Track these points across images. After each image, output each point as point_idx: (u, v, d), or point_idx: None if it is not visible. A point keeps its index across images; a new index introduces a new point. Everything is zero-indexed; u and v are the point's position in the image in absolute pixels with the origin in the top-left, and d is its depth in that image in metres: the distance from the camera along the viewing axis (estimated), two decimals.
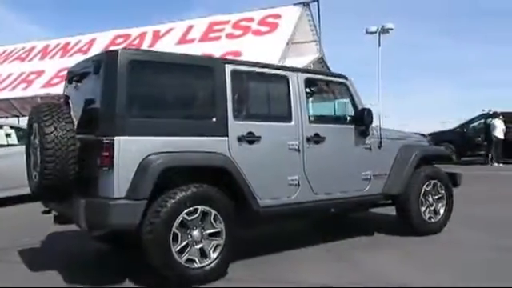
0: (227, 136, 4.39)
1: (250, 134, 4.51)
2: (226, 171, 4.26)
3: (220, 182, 4.28)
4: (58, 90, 13.87)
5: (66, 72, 14.32)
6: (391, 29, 30.73)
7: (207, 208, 4.13)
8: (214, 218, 4.17)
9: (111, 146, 3.82)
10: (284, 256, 5.01)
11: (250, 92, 4.64)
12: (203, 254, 4.13)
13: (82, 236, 5.55)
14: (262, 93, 4.88)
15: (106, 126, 3.91)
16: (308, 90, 5.06)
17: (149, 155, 3.95)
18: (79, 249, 5.56)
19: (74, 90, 4.72)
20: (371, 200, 5.59)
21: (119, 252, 5.36)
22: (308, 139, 4.91)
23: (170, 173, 3.96)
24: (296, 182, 4.82)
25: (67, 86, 4.99)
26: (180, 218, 3.99)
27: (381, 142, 5.57)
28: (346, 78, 5.45)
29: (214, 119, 4.34)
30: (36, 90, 14.73)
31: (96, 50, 15.07)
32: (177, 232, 3.98)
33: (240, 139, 4.45)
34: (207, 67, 4.39)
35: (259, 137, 4.55)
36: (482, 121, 16.76)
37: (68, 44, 16.93)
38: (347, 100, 5.49)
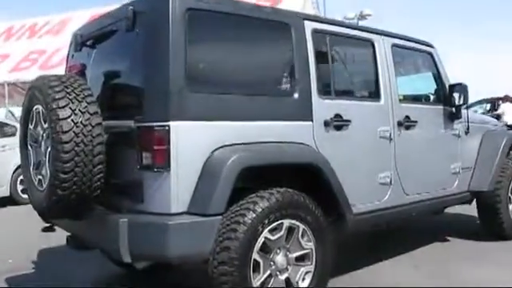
0: (311, 120, 3.17)
1: (338, 116, 3.31)
2: (315, 169, 3.04)
3: (304, 183, 3.06)
4: (28, 75, 12.21)
5: (36, 55, 12.74)
6: (369, 15, 30.13)
7: (294, 222, 2.91)
8: (301, 235, 2.95)
9: (166, 135, 2.54)
10: (368, 273, 3.87)
11: (334, 60, 3.41)
12: (289, 286, 2.91)
13: (85, 256, 4.24)
14: (347, 61, 3.66)
15: (155, 107, 2.61)
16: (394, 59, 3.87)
17: (218, 149, 2.70)
18: (85, 275, 4.21)
19: (87, 60, 3.36)
20: (458, 199, 4.48)
21: (142, 279, 4.07)
22: (399, 123, 3.75)
23: (246, 174, 2.71)
24: (388, 181, 3.66)
25: (73, 56, 3.62)
26: (262, 239, 2.76)
27: (468, 127, 4.47)
28: (431, 45, 4.30)
29: (296, 96, 3.11)
30: (2, 75, 12.94)
31: (72, 30, 13.45)
32: (258, 259, 2.75)
33: (327, 124, 3.24)
34: (283, 24, 3.13)
35: (348, 121, 3.35)
36: (485, 106, 15.96)
37: (35, 25, 15.04)
38: (430, 73, 4.35)
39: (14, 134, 8.76)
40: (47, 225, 3.52)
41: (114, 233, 2.55)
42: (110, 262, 4.00)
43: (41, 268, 4.44)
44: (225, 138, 2.73)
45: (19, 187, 8.34)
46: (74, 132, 2.63)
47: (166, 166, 2.53)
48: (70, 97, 2.69)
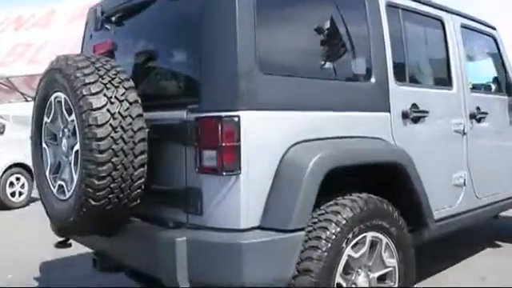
0: (389, 110, 2.64)
1: (415, 106, 2.79)
2: (399, 169, 2.51)
3: (380, 187, 2.53)
4: (13, 70, 11.45)
5: (21, 48, 11.94)
6: None
7: (377, 235, 2.37)
8: (384, 250, 2.43)
9: (236, 128, 1.97)
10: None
11: (407, 39, 2.87)
12: None
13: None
14: (418, 42, 3.13)
15: (218, 93, 2.05)
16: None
17: (294, 145, 2.15)
18: None
19: (113, 39, 2.75)
20: None
21: None
22: (472, 116, 3.25)
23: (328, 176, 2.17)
24: (462, 182, 3.16)
25: (91, 37, 3.01)
26: (345, 258, 2.22)
27: None
28: (494, 27, 3.81)
29: (373, 81, 2.57)
30: None
31: (59, 23, 12.65)
32: (341, 282, 2.22)
33: (405, 116, 2.72)
34: None
35: (426, 112, 2.83)
36: None
37: (20, 17, 14.22)
38: (492, 58, 3.87)
39: (1, 133, 8.10)
40: (61, 239, 2.94)
41: (168, 255, 1.97)
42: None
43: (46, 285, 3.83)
44: (300, 131, 2.18)
45: (8, 190, 7.66)
46: (111, 126, 2.06)
47: (236, 167, 1.97)
48: (104, 81, 2.12)
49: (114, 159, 2.06)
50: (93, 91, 2.07)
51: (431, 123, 2.87)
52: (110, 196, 2.09)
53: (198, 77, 2.11)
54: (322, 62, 2.40)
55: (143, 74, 2.48)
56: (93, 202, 2.07)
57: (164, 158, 2.25)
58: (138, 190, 2.17)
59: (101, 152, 2.03)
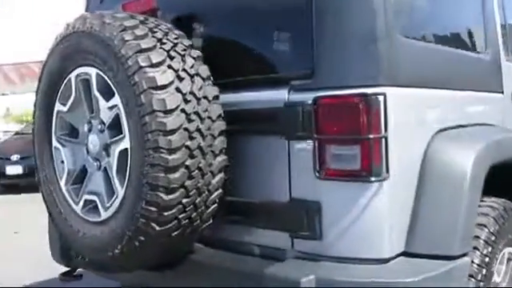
0: (502, 91, 2.11)
1: None
2: None
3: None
4: None
5: None
6: None
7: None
8: None
9: (381, 112, 1.34)
10: None
11: (506, 7, 2.35)
12: None
13: None
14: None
15: (348, 62, 1.41)
16: None
17: (436, 134, 1.56)
18: None
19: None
20: None
21: None
22: None
23: None
24: None
25: (101, 1, 2.25)
26: (492, 284, 1.67)
27: None
28: None
29: (488, 54, 2.02)
30: None
31: (22, 10, 11.40)
32: None
33: None
34: None
35: None
36: None
37: None
38: None
39: None
40: (67, 268, 2.21)
41: None
42: None
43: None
44: (441, 116, 1.62)
45: None
46: (183, 112, 1.38)
47: (382, 170, 1.33)
48: (166, 47, 1.43)
49: (188, 162, 1.39)
50: (154, 61, 1.38)
51: None
52: (181, 216, 1.42)
53: (309, 40, 1.45)
54: (450, 28, 1.82)
55: (205, 39, 1.77)
56: (157, 227, 1.39)
57: (245, 159, 1.60)
58: (214, 206, 1.51)
59: (172, 151, 1.35)
